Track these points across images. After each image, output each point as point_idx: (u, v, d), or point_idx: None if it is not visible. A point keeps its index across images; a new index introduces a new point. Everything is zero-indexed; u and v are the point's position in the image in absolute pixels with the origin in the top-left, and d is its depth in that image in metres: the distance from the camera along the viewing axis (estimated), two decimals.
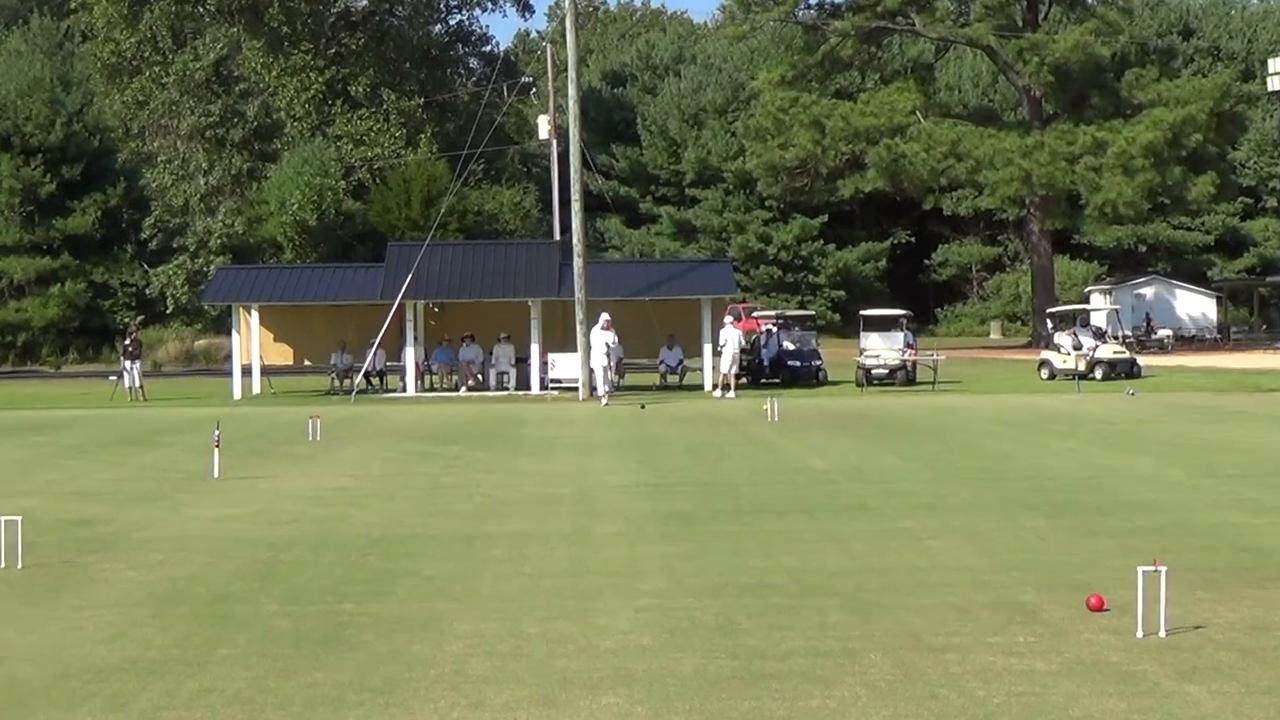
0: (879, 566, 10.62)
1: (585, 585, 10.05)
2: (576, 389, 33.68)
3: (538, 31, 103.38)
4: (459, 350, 37.33)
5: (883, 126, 56.75)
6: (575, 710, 7.05)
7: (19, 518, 11.38)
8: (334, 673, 7.77)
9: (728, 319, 35.23)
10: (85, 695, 7.45)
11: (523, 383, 36.21)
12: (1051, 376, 37.91)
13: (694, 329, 36.66)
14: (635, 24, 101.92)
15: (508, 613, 9.16)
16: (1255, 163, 71.74)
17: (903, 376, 36.60)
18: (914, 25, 58.77)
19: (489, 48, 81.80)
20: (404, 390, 36.57)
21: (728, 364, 33.87)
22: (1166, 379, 37.41)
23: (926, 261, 77.25)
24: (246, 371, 37.01)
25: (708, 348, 35.80)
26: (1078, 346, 38.00)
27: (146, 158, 69.38)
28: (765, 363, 38.68)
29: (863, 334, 38.26)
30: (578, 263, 34.15)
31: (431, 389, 37.86)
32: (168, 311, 63.64)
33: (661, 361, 37.55)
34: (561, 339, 35.96)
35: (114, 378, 37.69)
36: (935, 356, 37.24)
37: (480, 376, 37.04)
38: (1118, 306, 53.83)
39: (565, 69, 39.00)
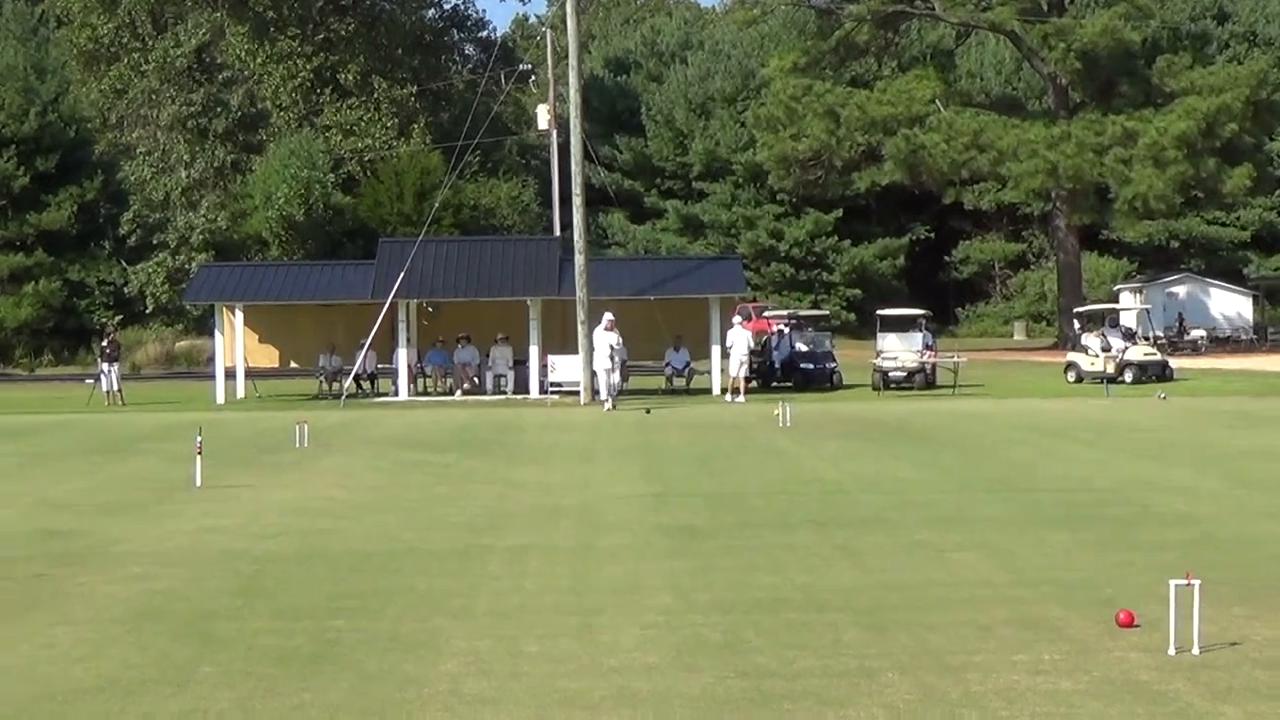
0: (896, 581, 10.62)
1: (587, 601, 10.05)
2: (578, 393, 33.69)
3: (537, 16, 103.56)
4: (454, 352, 37.35)
5: (900, 116, 56.73)
6: None
7: None
8: (322, 693, 7.78)
9: (736, 319, 35.21)
10: (59, 717, 7.45)
11: (521, 386, 36.22)
12: (1078, 380, 37.90)
13: (702, 330, 36.65)
14: (639, 8, 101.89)
15: (506, 630, 9.17)
16: None
17: (921, 380, 36.58)
18: (933, 9, 58.75)
19: (485, 33, 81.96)
20: (396, 394, 36.59)
21: (736, 367, 33.88)
22: (1200, 382, 37.38)
23: (946, 258, 77.21)
24: (230, 375, 37.04)
25: (716, 349, 35.82)
26: (1106, 348, 37.98)
27: (125, 149, 69.48)
28: (777, 365, 38.68)
29: (879, 335, 38.26)
30: (579, 260, 34.17)
31: (425, 393, 37.88)
32: (147, 311, 63.72)
33: (667, 364, 37.56)
34: (562, 340, 35.96)
35: (91, 381, 37.75)
36: (956, 359, 37.23)
37: (476, 380, 37.05)
38: (1148, 306, 53.79)
39: (566, 55, 39.02)
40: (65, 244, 63.14)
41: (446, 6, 78.34)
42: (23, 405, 35.81)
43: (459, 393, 36.62)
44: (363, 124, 69.47)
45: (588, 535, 13.11)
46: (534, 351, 35.88)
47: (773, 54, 67.95)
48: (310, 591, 10.55)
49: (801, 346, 39.02)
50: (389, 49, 72.15)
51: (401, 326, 36.52)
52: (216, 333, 37.90)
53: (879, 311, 40.00)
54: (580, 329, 33.60)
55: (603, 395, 31.43)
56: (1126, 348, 38.50)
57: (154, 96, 69.19)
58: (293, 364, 39.77)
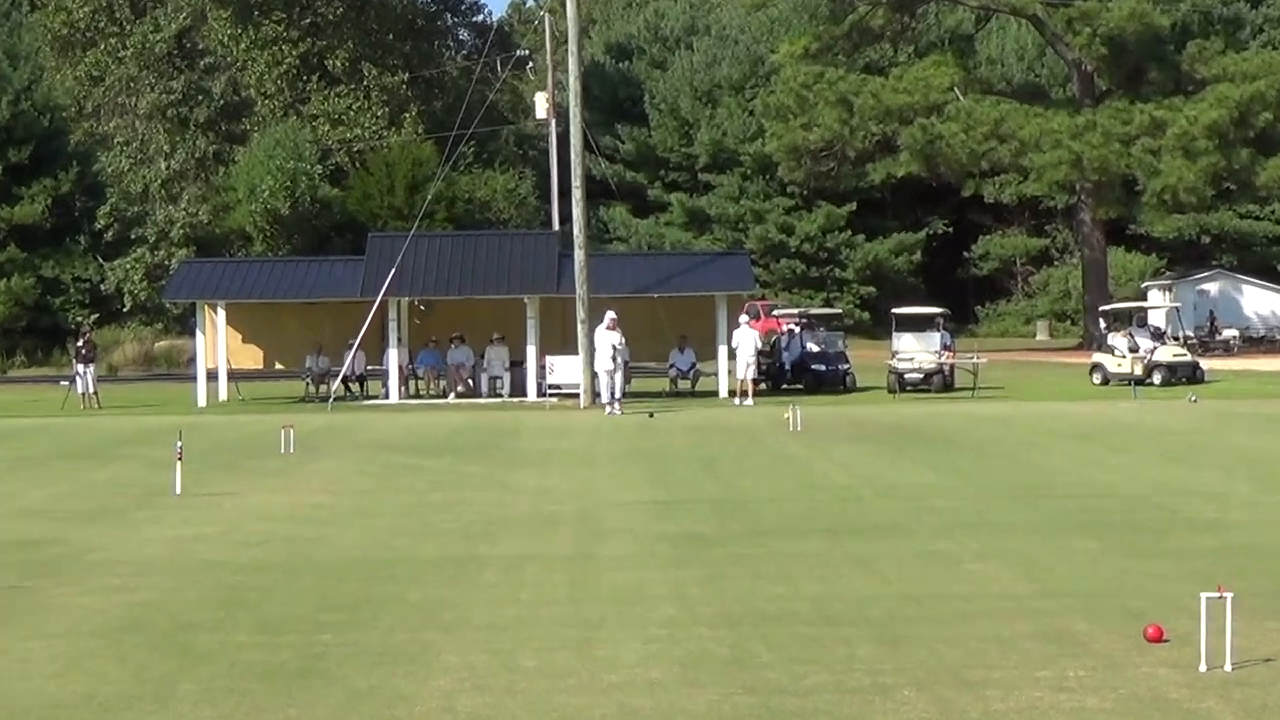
0: (913, 593, 10.62)
1: (587, 613, 10.05)
2: (578, 396, 33.69)
3: None
4: (447, 353, 37.36)
5: (917, 104, 56.73)
6: None
7: None
8: (309, 709, 7.78)
9: (743, 318, 35.21)
10: None
11: (518, 389, 36.22)
12: (1105, 382, 37.88)
13: (708, 329, 36.66)
14: None
15: (502, 643, 9.16)
16: None
17: (939, 382, 36.58)
18: None
19: (480, 17, 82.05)
20: (386, 397, 36.60)
21: (743, 369, 33.88)
22: (1232, 384, 37.36)
23: (966, 254, 77.22)
24: (212, 376, 37.06)
25: (723, 350, 35.81)
26: (1134, 348, 37.96)
27: (101, 139, 69.54)
28: (787, 366, 38.68)
29: (895, 334, 38.27)
30: (579, 255, 34.17)
31: (417, 396, 37.89)
32: (125, 310, 63.79)
33: (672, 365, 37.55)
34: (561, 340, 35.96)
35: (66, 383, 37.77)
36: (975, 360, 37.23)
37: (471, 382, 37.06)
38: (1178, 304, 53.73)
39: (565, 41, 39.04)
40: (39, 239, 63.16)
41: None
42: None
43: (453, 395, 36.63)
44: (351, 113, 69.53)
45: (587, 543, 13.11)
46: (531, 352, 35.87)
47: (783, 39, 67.92)
48: (296, 603, 10.55)
49: (813, 347, 39.01)
50: (379, 34, 72.22)
51: (392, 326, 36.52)
52: (198, 332, 37.92)
53: (894, 310, 40.00)
54: (580, 328, 33.59)
55: (604, 398, 31.43)
56: (1155, 348, 38.48)
57: (132, 84, 69.27)
58: (278, 365, 39.78)
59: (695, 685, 8.11)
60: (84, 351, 37.11)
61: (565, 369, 34.68)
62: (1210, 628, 8.34)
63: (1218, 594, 8.40)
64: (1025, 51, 73.61)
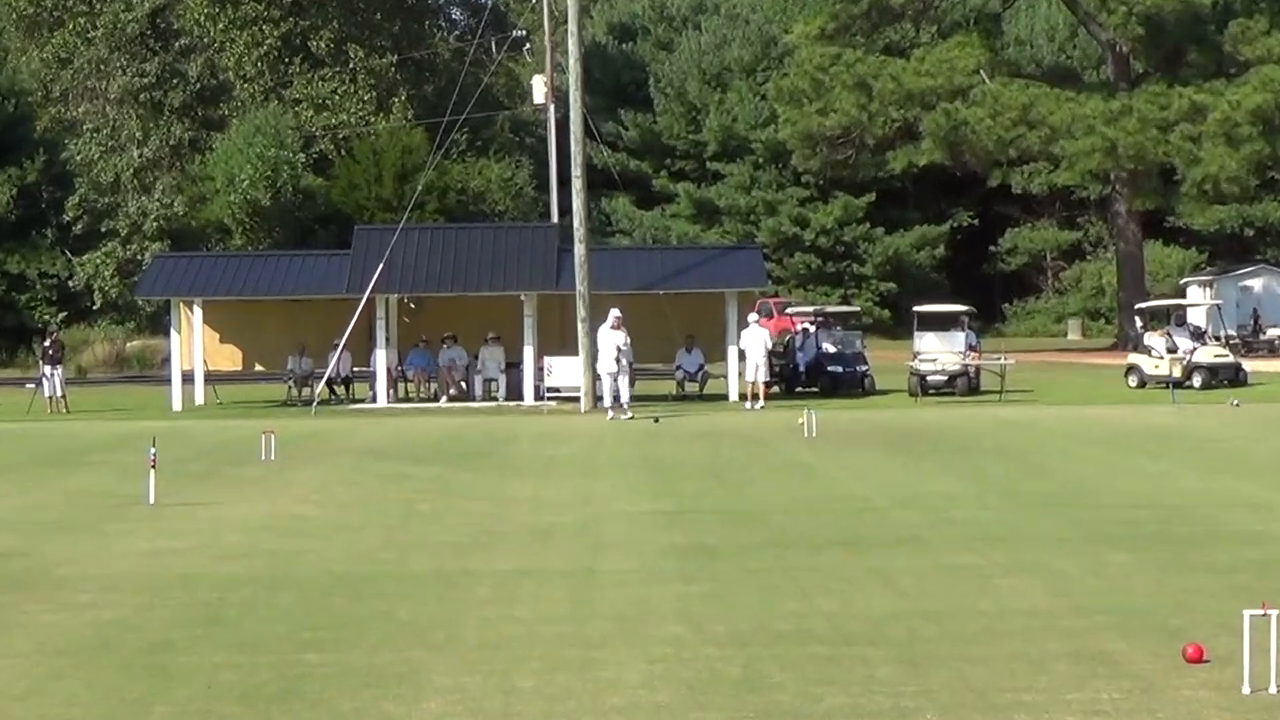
0: (935, 610, 10.62)
1: (588, 631, 10.06)
2: (578, 399, 33.69)
3: None
4: (439, 354, 37.38)
5: (940, 88, 56.72)
6: None
7: None
8: None
9: (752, 317, 35.21)
10: None
11: (514, 392, 36.23)
12: (1141, 384, 37.86)
13: (717, 328, 36.66)
14: None
15: (496, 664, 9.17)
16: None
17: (964, 384, 36.58)
18: None
19: None
20: (374, 401, 36.62)
21: (753, 371, 33.88)
22: (1277, 387, 37.33)
23: (992, 248, 77.21)
24: (188, 379, 37.07)
25: (733, 350, 35.82)
26: (1172, 349, 37.93)
27: (70, 126, 69.59)
28: (801, 368, 38.68)
29: (917, 334, 38.25)
30: (579, 250, 34.17)
31: (406, 399, 37.90)
32: (95, 307, 63.82)
33: (678, 367, 37.56)
34: (560, 340, 35.97)
35: (31, 386, 37.79)
36: (1003, 361, 37.22)
37: (464, 385, 37.07)
38: (1219, 301, 53.67)
39: (564, 20, 39.05)
40: (2, 232, 63.26)
41: None
42: None
43: (444, 399, 36.64)
44: (336, 97, 69.54)
45: (588, 557, 13.12)
46: (529, 353, 35.88)
47: (797, 18, 67.98)
48: (277, 620, 10.56)
49: (829, 347, 39.01)
50: (366, 13, 72.24)
51: (380, 325, 36.53)
52: (172, 331, 37.94)
53: (916, 308, 39.98)
54: (580, 327, 33.60)
55: (606, 402, 31.42)
56: (1195, 348, 38.45)
57: (102, 66, 69.29)
58: (258, 367, 39.79)
59: (704, 708, 8.12)
60: (51, 352, 37.12)
61: (564, 371, 34.67)
62: (1254, 647, 8.34)
63: (1262, 611, 8.39)
64: (1056, 31, 73.62)
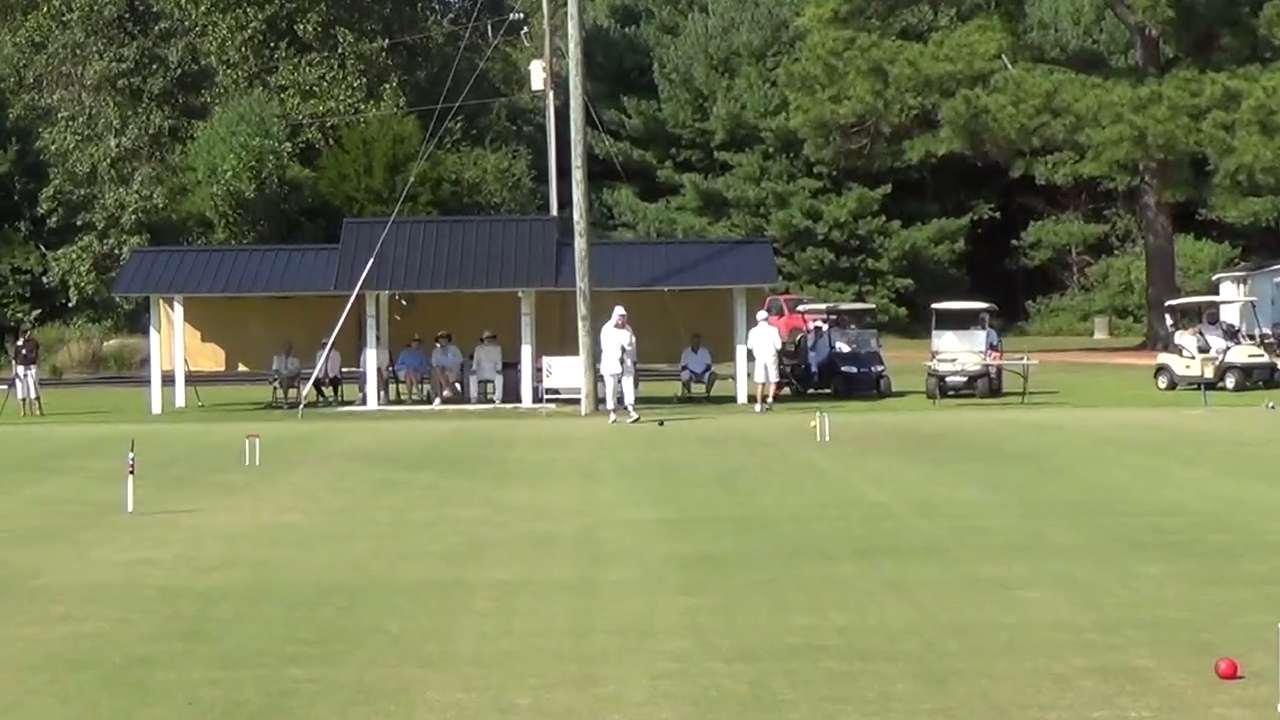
0: (955, 623, 10.62)
1: (589, 646, 10.06)
2: (578, 402, 33.70)
3: None
4: (432, 354, 37.39)
5: (960, 74, 56.67)
6: None
7: None
8: None
9: (761, 315, 35.22)
10: None
11: (511, 393, 36.26)
12: (1171, 386, 37.86)
13: (725, 327, 36.68)
14: None
15: (492, 680, 9.17)
16: None
17: (985, 386, 36.59)
18: None
19: None
20: (363, 403, 36.64)
21: (762, 372, 33.88)
22: None
23: (1015, 242, 77.18)
24: (168, 380, 37.11)
25: (742, 350, 35.83)
26: (1204, 348, 37.93)
27: (44, 114, 69.62)
28: (813, 368, 38.71)
29: (935, 333, 38.26)
30: (580, 244, 34.18)
31: (398, 402, 37.92)
32: (70, 305, 63.86)
33: (684, 367, 37.58)
34: (560, 339, 36.00)
35: (3, 387, 37.83)
36: (1025, 361, 37.23)
37: (459, 386, 37.09)
38: (1254, 298, 53.67)
39: (564, 2, 39.04)
40: None
41: None
42: None
43: (438, 401, 36.66)
44: (324, 84, 69.55)
45: (589, 568, 13.12)
46: (526, 352, 35.90)
47: (809, 0, 67.91)
48: (261, 634, 10.56)
49: (843, 346, 39.03)
50: None
51: (370, 323, 36.56)
52: (151, 330, 37.96)
53: (934, 305, 39.99)
54: (581, 325, 33.61)
55: (609, 404, 31.42)
56: (1228, 348, 38.44)
57: (78, 51, 69.31)
58: (241, 367, 39.83)
59: None
60: (24, 352, 37.14)
61: (564, 371, 34.70)
62: None
63: None
64: (1082, 14, 73.57)
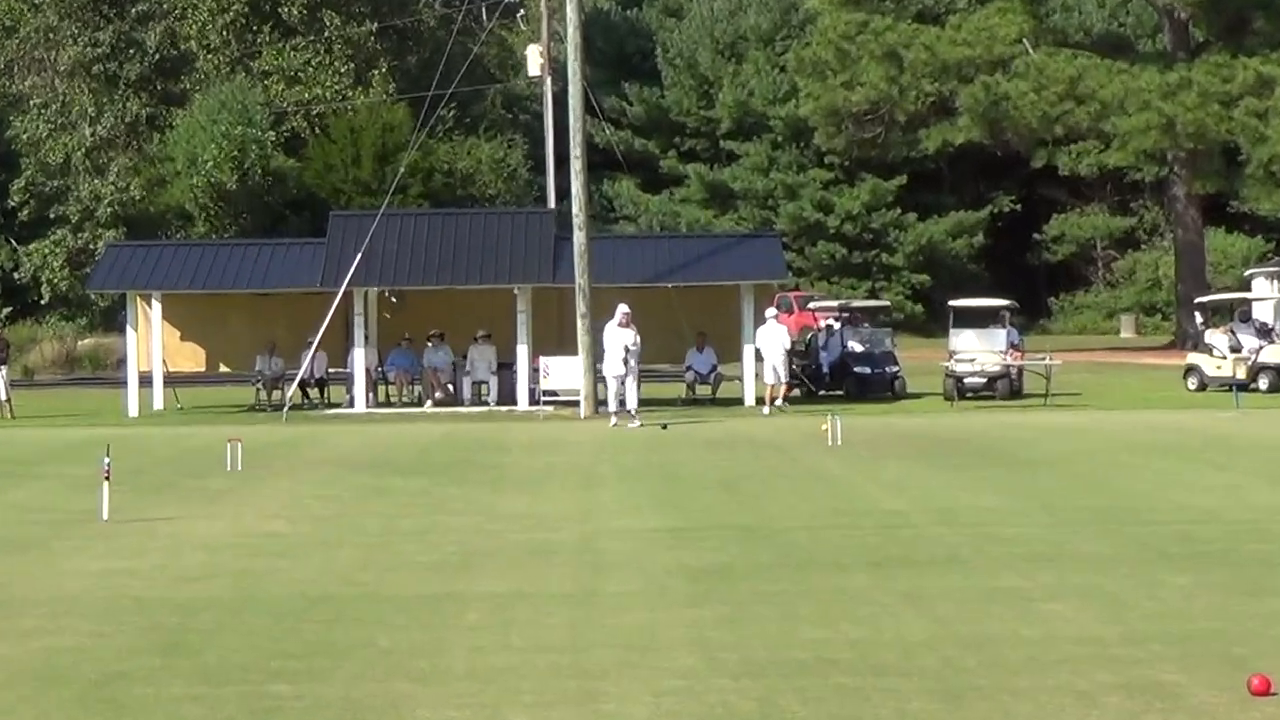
0: (974, 637, 10.62)
1: (589, 661, 10.06)
2: (577, 404, 33.70)
3: None
4: (423, 354, 37.40)
5: (979, 59, 56.70)
6: None
7: None
8: None
9: (770, 312, 35.23)
10: None
11: (507, 395, 36.26)
12: (1202, 387, 37.86)
13: (731, 325, 36.67)
14: None
15: (486, 697, 9.17)
16: None
17: (1005, 387, 36.60)
18: None
19: None
20: (351, 406, 36.65)
21: (770, 373, 33.88)
22: None
23: (1036, 236, 77.18)
24: (146, 381, 37.11)
25: (749, 349, 35.83)
26: (1236, 348, 37.94)
27: (15, 101, 69.65)
28: (825, 369, 38.71)
29: (953, 331, 38.27)
30: (579, 238, 34.18)
31: (387, 404, 37.93)
32: (43, 302, 63.90)
33: (689, 368, 37.59)
34: (558, 338, 36.01)
35: None
36: (1048, 361, 37.22)
37: (451, 388, 37.09)
38: None
39: None
40: None
41: None
42: None
43: (429, 403, 36.67)
44: (310, 69, 69.59)
45: (589, 579, 13.12)
46: (523, 352, 35.90)
47: None
48: (244, 648, 10.56)
49: (855, 346, 39.05)
50: None
51: (358, 321, 36.57)
52: (128, 329, 37.97)
53: (952, 302, 39.99)
54: (580, 324, 33.62)
55: (611, 407, 31.41)
56: (1261, 347, 38.46)
57: (51, 35, 69.34)
58: (223, 368, 39.84)
59: None
60: None
61: (562, 372, 34.71)
62: None
63: None
64: None
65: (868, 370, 38.23)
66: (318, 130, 68.43)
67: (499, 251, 36.82)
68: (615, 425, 30.44)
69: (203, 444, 26.86)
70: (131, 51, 69.52)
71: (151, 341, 37.26)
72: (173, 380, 38.03)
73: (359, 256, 35.57)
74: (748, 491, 19.30)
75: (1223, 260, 68.91)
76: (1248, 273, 65.35)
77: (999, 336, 38.01)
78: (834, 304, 45.37)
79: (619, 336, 30.87)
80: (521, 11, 71.84)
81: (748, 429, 29.61)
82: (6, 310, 61.41)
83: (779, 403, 33.52)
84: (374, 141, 64.52)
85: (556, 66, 51.91)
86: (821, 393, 38.06)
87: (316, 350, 36.33)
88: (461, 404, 36.60)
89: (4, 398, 36.16)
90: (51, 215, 64.79)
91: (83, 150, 66.93)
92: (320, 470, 22.71)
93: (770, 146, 74.30)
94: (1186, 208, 59.85)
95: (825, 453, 23.93)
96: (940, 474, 20.94)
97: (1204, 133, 54.60)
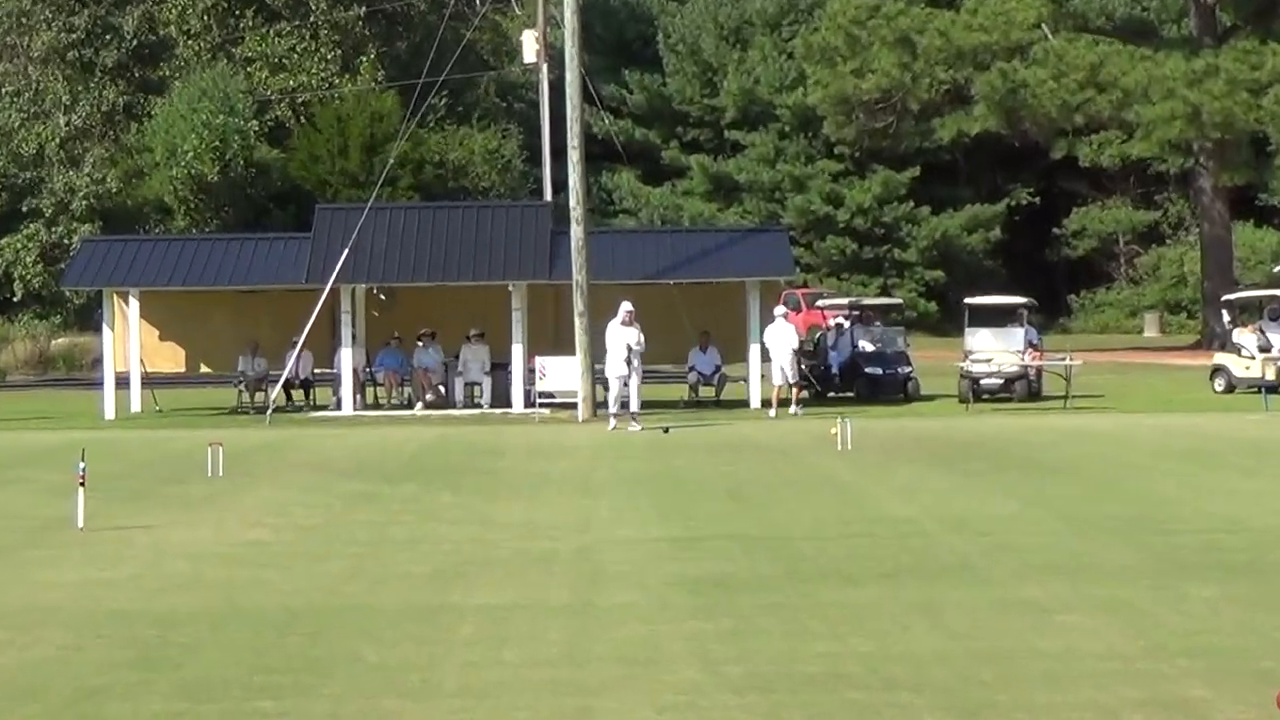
0: (989, 650, 10.63)
1: (587, 676, 10.07)
2: (575, 406, 33.69)
3: None
4: (413, 354, 37.39)
5: (995, 45, 56.68)
6: None
7: None
8: None
9: (778, 310, 35.19)
10: None
11: (501, 397, 36.25)
12: (1229, 389, 37.84)
13: (737, 324, 36.67)
14: None
15: (480, 713, 9.18)
16: None
17: (1023, 389, 36.57)
18: None
19: None
20: (338, 408, 36.65)
21: (778, 374, 33.86)
22: None
23: (1056, 231, 77.14)
24: (123, 382, 37.08)
25: (755, 349, 35.81)
26: (1265, 348, 37.92)
27: None
28: (834, 370, 38.68)
29: (968, 330, 38.22)
30: (577, 232, 34.17)
31: (375, 406, 37.92)
32: (14, 299, 63.83)
33: (691, 368, 37.57)
34: (554, 337, 36.00)
35: None
36: (1068, 361, 37.19)
37: (442, 389, 37.08)
38: None
39: None
40: None
41: None
42: None
43: (420, 406, 36.67)
44: (295, 56, 69.58)
45: (587, 590, 13.13)
46: (518, 352, 35.89)
47: None
48: (226, 662, 10.57)
49: (866, 345, 39.02)
50: None
51: (345, 320, 36.55)
52: (104, 327, 37.96)
53: (968, 300, 39.96)
54: (578, 322, 33.60)
55: (612, 409, 31.38)
56: None
57: (24, 20, 69.35)
58: (204, 368, 39.82)
59: None
60: None
61: (559, 373, 34.67)
62: None
63: None
64: None
65: (879, 371, 38.19)
66: (303, 119, 68.42)
67: (493, 247, 36.80)
68: (614, 428, 30.44)
69: (183, 448, 26.86)
70: (108, 37, 69.51)
71: (129, 341, 37.22)
72: (151, 381, 38.01)
73: (346, 252, 35.54)
74: (753, 499, 19.31)
75: (1251, 255, 68.88)
76: (1277, 268, 65.50)
77: (1017, 336, 37.96)
78: (844, 302, 45.35)
79: (622, 335, 30.81)
80: None
81: (753, 433, 29.60)
82: None
83: (794, 409, 33.45)
84: (362, 131, 64.50)
85: (553, 53, 51.86)
86: (831, 394, 38.05)
87: (301, 350, 36.31)
88: (453, 406, 36.59)
89: None
90: (24, 208, 64.73)
91: (57, 140, 66.92)
92: (306, 476, 22.71)
93: (777, 137, 74.26)
94: (1213, 200, 59.83)
95: (834, 457, 23.93)
96: (954, 480, 20.94)
97: (1231, 122, 54.57)
